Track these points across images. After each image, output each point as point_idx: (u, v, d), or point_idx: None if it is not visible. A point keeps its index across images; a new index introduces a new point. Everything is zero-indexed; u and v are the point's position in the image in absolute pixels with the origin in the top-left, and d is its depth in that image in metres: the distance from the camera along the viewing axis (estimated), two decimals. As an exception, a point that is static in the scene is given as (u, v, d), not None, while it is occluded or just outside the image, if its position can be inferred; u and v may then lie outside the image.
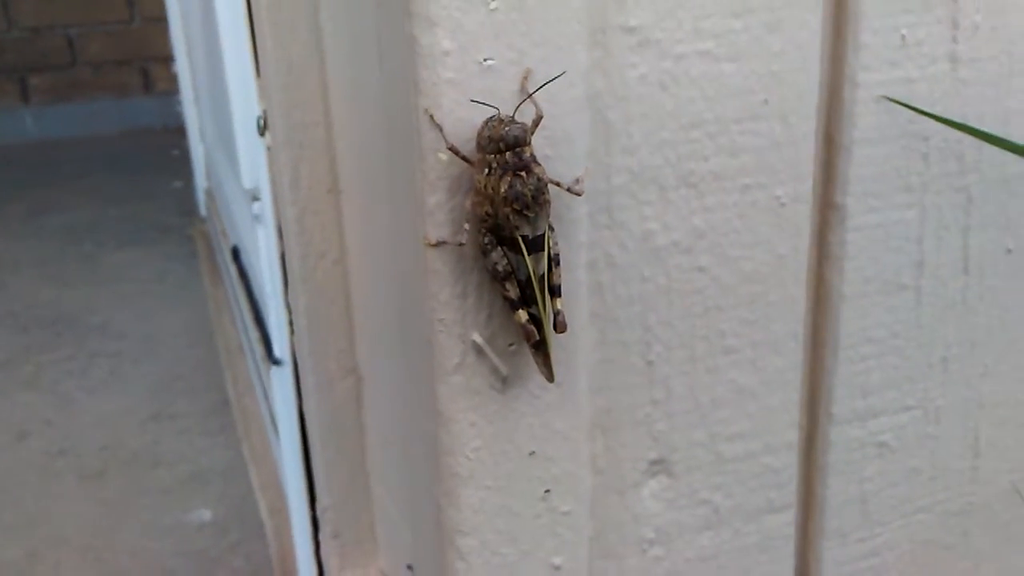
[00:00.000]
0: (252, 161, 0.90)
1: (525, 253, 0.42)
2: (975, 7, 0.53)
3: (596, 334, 0.51)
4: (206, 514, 1.49)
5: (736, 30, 0.48)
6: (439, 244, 0.43)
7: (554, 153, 0.45)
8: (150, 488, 1.58)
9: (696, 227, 0.51)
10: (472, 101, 0.40)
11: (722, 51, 0.48)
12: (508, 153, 0.40)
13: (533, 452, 0.49)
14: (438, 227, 0.44)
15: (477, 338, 0.45)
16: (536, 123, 0.42)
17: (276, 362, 0.92)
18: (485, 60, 0.42)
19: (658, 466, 0.55)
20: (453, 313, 0.45)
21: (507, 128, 0.40)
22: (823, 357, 0.58)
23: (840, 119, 0.53)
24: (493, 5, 0.41)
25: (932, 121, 0.53)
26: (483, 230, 0.43)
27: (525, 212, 0.41)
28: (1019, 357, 0.62)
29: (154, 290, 2.28)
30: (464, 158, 0.42)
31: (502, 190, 0.40)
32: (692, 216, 0.51)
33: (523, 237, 0.42)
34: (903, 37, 0.52)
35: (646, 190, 0.49)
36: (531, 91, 0.42)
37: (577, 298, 0.48)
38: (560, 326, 0.44)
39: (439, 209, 0.44)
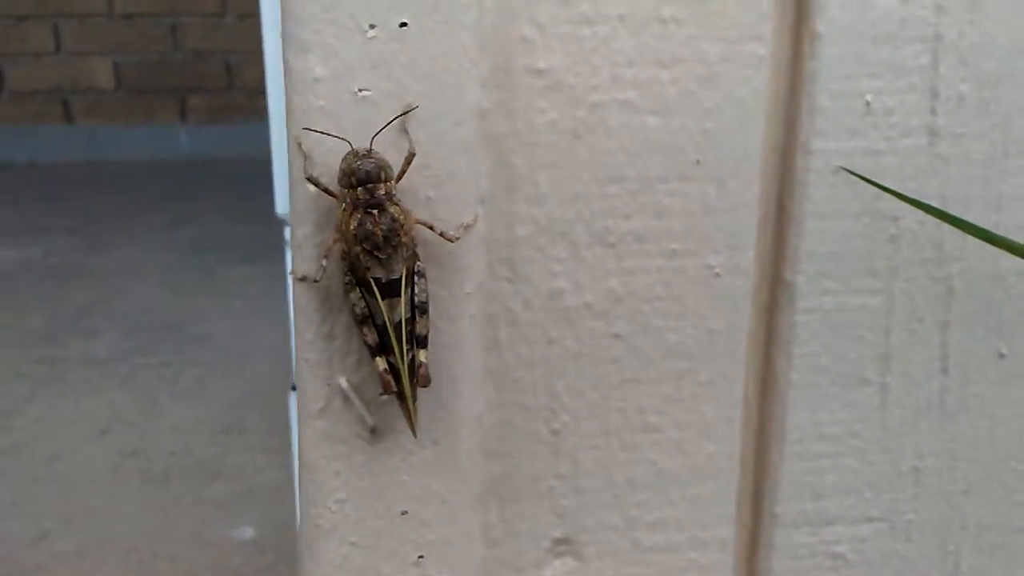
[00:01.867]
0: (284, 186, 0.90)
1: (379, 297, 0.38)
2: (960, 76, 0.46)
3: (492, 394, 0.46)
4: (248, 532, 1.50)
5: (663, 81, 0.43)
6: (303, 279, 0.40)
7: (437, 195, 0.41)
8: (205, 499, 1.60)
9: (612, 290, 0.46)
10: (305, 129, 0.37)
11: (646, 103, 0.44)
12: (360, 189, 0.37)
13: (405, 512, 0.45)
14: (305, 261, 0.41)
15: (343, 383, 0.42)
16: (408, 160, 0.39)
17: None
18: (360, 90, 0.39)
19: (564, 546, 0.50)
20: (318, 354, 0.42)
21: (359, 163, 0.37)
22: (768, 450, 0.51)
23: (792, 188, 0.47)
24: (371, 34, 0.38)
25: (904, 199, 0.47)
26: (345, 269, 0.40)
27: (376, 253, 0.38)
28: (1011, 477, 0.54)
29: (258, 307, 2.34)
30: (326, 190, 0.39)
31: (352, 227, 0.37)
32: (608, 278, 0.46)
33: (376, 279, 0.38)
34: (867, 104, 0.46)
35: (555, 245, 0.45)
36: (403, 127, 0.39)
37: (463, 353, 0.44)
38: (422, 379, 0.40)
39: (307, 242, 0.41)
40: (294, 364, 0.67)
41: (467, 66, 0.40)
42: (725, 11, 0.43)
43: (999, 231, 0.49)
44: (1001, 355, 0.51)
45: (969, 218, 0.49)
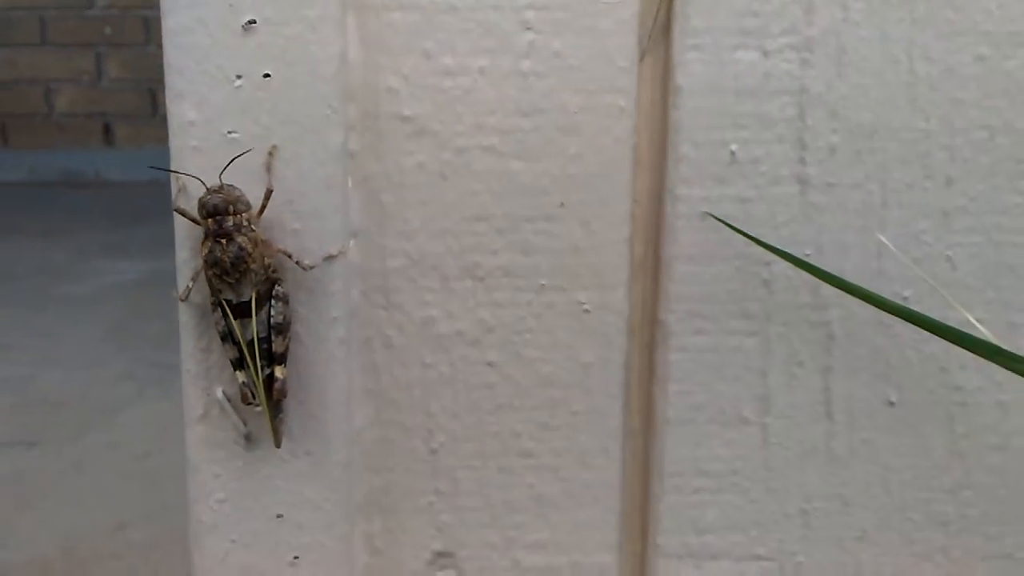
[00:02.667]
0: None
1: (231, 317, 0.43)
2: (831, 127, 0.48)
3: (371, 412, 0.51)
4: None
5: (525, 129, 0.47)
6: (185, 293, 0.46)
7: (302, 227, 0.46)
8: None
9: (484, 320, 0.49)
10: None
11: (509, 148, 0.47)
12: (210, 220, 0.42)
13: (280, 515, 0.50)
14: (184, 281, 0.46)
15: (219, 393, 0.47)
16: (267, 196, 0.44)
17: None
18: (229, 132, 0.44)
19: (445, 559, 0.53)
20: (197, 365, 0.47)
21: (209, 197, 0.42)
22: (648, 482, 0.53)
23: (661, 232, 0.49)
24: (237, 83, 0.43)
25: (775, 244, 0.48)
26: (212, 290, 0.44)
27: (225, 277, 0.43)
28: (910, 527, 0.54)
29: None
30: (193, 220, 0.44)
31: (204, 253, 0.42)
32: (479, 308, 0.49)
33: (227, 301, 0.43)
34: (732, 153, 0.47)
35: (426, 276, 0.49)
36: (266, 166, 0.44)
37: (332, 372, 0.49)
38: (277, 393, 0.45)
39: (185, 265, 0.46)
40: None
41: (328, 112, 0.44)
42: (583, 65, 0.46)
43: (880, 278, 0.49)
44: (890, 403, 0.51)
45: (848, 265, 0.50)
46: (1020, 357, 0.42)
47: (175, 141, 0.46)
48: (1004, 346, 0.42)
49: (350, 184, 0.48)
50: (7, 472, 1.82)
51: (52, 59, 3.88)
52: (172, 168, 0.46)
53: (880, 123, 0.49)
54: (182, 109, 0.46)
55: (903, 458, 0.54)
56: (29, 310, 2.64)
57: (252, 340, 0.45)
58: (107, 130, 3.96)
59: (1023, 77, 0.49)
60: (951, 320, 0.52)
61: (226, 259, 0.44)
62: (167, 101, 0.46)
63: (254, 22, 0.45)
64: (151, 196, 3.01)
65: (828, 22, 0.48)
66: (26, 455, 1.88)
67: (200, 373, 0.49)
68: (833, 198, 0.50)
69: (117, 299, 2.73)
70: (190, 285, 0.46)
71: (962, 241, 0.51)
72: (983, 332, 0.46)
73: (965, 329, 0.44)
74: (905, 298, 0.52)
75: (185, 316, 0.48)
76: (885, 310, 0.46)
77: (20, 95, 3.92)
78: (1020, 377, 0.42)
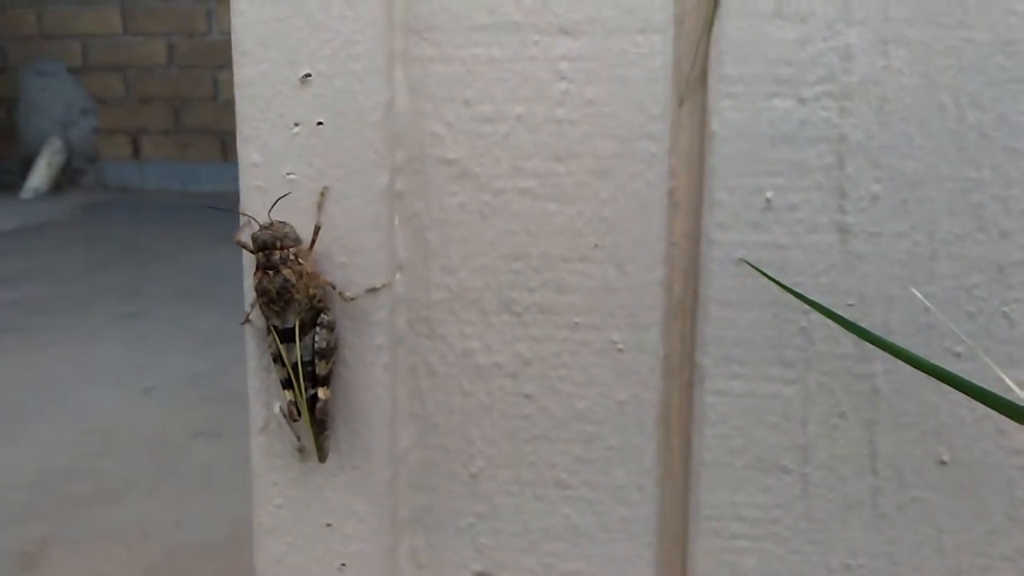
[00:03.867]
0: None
1: (278, 341, 0.48)
2: (872, 176, 0.47)
3: (416, 434, 0.54)
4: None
5: (559, 173, 0.49)
6: (245, 317, 0.51)
7: (349, 261, 0.50)
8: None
9: (521, 354, 0.52)
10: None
11: (545, 191, 0.49)
12: (260, 254, 0.46)
13: (329, 524, 0.54)
14: (250, 307, 0.51)
15: (276, 408, 0.52)
16: (316, 231, 0.48)
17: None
18: (288, 174, 0.49)
19: (486, 579, 0.55)
20: (258, 382, 0.52)
21: (259, 233, 0.46)
22: (684, 523, 0.53)
23: (696, 275, 0.50)
24: (295, 130, 0.48)
25: (815, 293, 0.48)
26: (264, 316, 0.49)
27: (271, 305, 0.47)
28: (963, 594, 0.51)
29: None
30: (250, 250, 0.49)
31: (254, 284, 0.47)
32: (516, 343, 0.52)
33: (274, 327, 0.48)
34: (768, 200, 0.47)
35: (467, 310, 0.52)
36: (318, 204, 0.48)
37: (377, 395, 0.52)
38: (319, 412, 0.49)
39: (249, 291, 0.51)
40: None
41: (373, 156, 0.48)
42: (615, 113, 0.48)
43: (930, 332, 0.48)
44: (942, 462, 0.49)
45: (893, 317, 0.48)
46: None
47: (244, 181, 0.51)
48: (1039, 413, 0.40)
49: (397, 222, 0.52)
50: (194, 460, 1.99)
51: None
52: (241, 205, 0.51)
53: (927, 172, 0.47)
54: (248, 152, 0.51)
55: (957, 520, 0.51)
56: (229, 312, 2.88)
57: (297, 363, 0.50)
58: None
59: (1088, 126, 0.45)
60: (1010, 378, 0.49)
61: (272, 289, 0.48)
62: (237, 145, 0.51)
63: (309, 75, 0.49)
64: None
65: (867, 70, 0.46)
66: (209, 444, 2.05)
67: (262, 389, 0.54)
68: (876, 248, 0.49)
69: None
70: (249, 311, 0.51)
71: (1020, 297, 0.48)
72: (1020, 395, 0.43)
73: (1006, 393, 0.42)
74: (957, 354, 0.49)
75: (249, 338, 0.54)
76: (922, 370, 0.44)
77: (238, 113, 4.28)
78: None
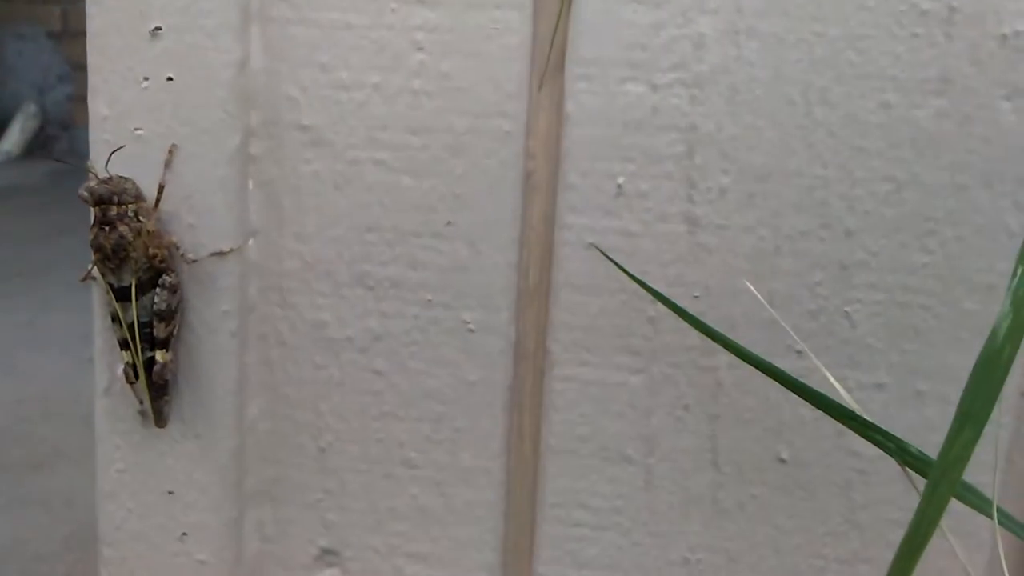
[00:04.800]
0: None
1: (114, 300, 0.46)
2: (721, 168, 0.46)
3: (265, 404, 0.53)
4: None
5: (414, 146, 0.48)
6: (85, 274, 0.49)
7: (197, 222, 0.49)
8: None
9: (372, 328, 0.51)
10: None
11: (400, 164, 0.49)
12: (97, 208, 0.45)
13: (171, 492, 0.53)
14: (91, 264, 0.50)
15: (118, 370, 0.50)
16: (159, 190, 0.47)
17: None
18: (136, 129, 0.48)
19: (331, 556, 0.55)
20: (102, 342, 0.51)
21: (96, 186, 0.45)
22: (527, 509, 0.53)
23: (548, 258, 0.49)
24: (144, 84, 0.47)
25: (662, 283, 0.47)
26: (100, 273, 0.48)
27: (107, 263, 0.46)
28: (799, 593, 0.51)
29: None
30: (87, 203, 0.47)
31: (90, 239, 0.46)
32: (367, 317, 0.51)
33: (110, 284, 0.46)
34: (619, 186, 0.47)
35: (320, 281, 0.51)
36: (165, 161, 0.47)
37: (221, 363, 0.51)
38: (156, 376, 0.48)
39: (90, 248, 0.50)
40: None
41: (225, 117, 0.47)
42: (471, 88, 0.47)
43: (773, 327, 0.47)
44: (781, 459, 0.49)
45: (738, 311, 0.48)
46: (876, 426, 0.39)
47: (93, 134, 0.50)
48: (860, 412, 0.39)
49: (251, 186, 0.51)
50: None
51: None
52: (90, 160, 0.50)
53: (774, 166, 0.47)
54: (97, 105, 0.50)
55: (795, 520, 0.51)
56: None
57: (133, 323, 0.49)
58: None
59: (932, 128, 0.45)
60: (850, 379, 0.49)
61: (107, 245, 0.47)
62: (88, 97, 0.50)
63: (160, 29, 0.48)
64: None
65: (719, 59, 0.46)
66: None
67: (105, 349, 0.53)
68: (723, 240, 0.48)
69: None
70: (90, 268, 0.50)
71: (862, 298, 0.47)
72: (845, 397, 0.42)
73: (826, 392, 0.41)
74: (799, 352, 0.49)
75: (96, 296, 0.52)
76: (760, 369, 0.43)
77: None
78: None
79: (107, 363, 0.53)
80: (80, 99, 4.56)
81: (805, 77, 0.46)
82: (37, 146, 4.77)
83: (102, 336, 0.53)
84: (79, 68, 4.51)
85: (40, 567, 1.49)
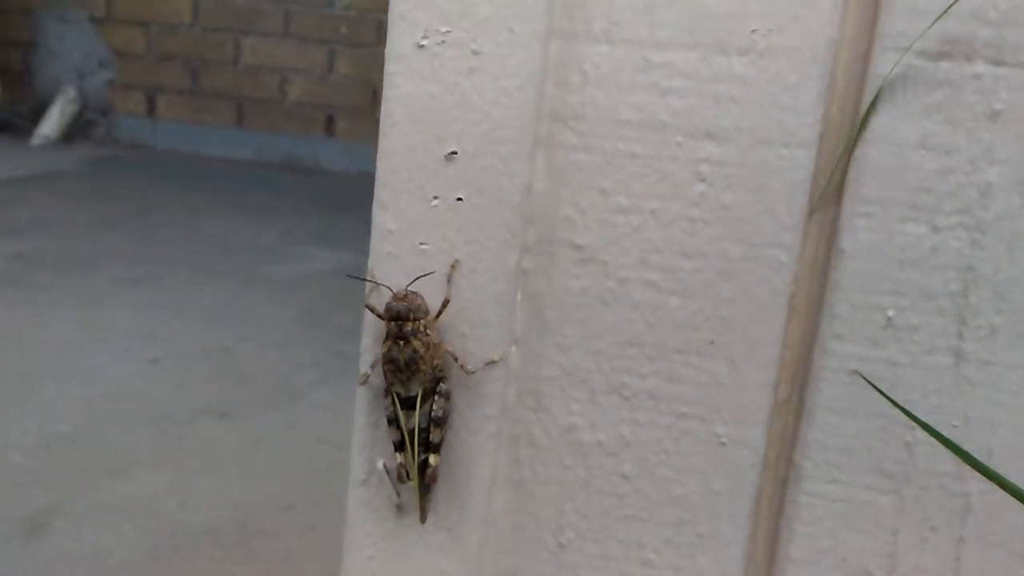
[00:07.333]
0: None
1: (398, 406, 0.49)
2: (994, 307, 0.48)
3: (510, 500, 0.56)
4: None
5: (686, 269, 0.51)
6: (364, 378, 0.52)
7: (471, 333, 0.52)
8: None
9: (623, 435, 0.53)
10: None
11: (669, 285, 0.51)
12: (393, 323, 0.48)
13: (417, 579, 0.55)
14: (366, 365, 0.53)
15: (380, 465, 0.53)
16: (444, 304, 0.49)
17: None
18: (421, 244, 0.50)
19: (560, 644, 0.57)
20: (364, 437, 0.54)
21: (394, 303, 0.48)
22: (762, 611, 0.55)
23: (806, 382, 0.51)
24: (434, 203, 0.49)
25: (923, 411, 0.49)
26: (386, 381, 0.51)
27: (398, 374, 0.49)
28: None
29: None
30: (379, 316, 0.50)
31: (383, 351, 0.48)
32: (620, 424, 0.53)
33: (396, 394, 0.49)
34: (889, 318, 0.49)
35: (576, 388, 0.53)
36: (448, 278, 0.50)
37: (478, 463, 0.54)
38: (429, 477, 0.51)
39: (367, 351, 0.53)
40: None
41: (507, 236, 0.49)
42: (750, 218, 0.49)
43: (1028, 461, 0.49)
44: (1024, 583, 0.51)
45: (996, 442, 0.50)
46: None
47: (375, 245, 0.53)
48: None
49: (519, 298, 0.53)
50: (199, 437, 2.01)
51: (291, 50, 4.20)
52: (369, 268, 0.53)
53: (1048, 309, 0.49)
54: (384, 219, 0.52)
55: (1032, 641, 0.54)
56: (237, 286, 2.89)
57: (414, 429, 0.51)
58: (330, 121, 4.25)
59: None
60: (1101, 514, 0.51)
61: (401, 359, 0.50)
62: (373, 210, 0.52)
63: (455, 153, 0.50)
64: (360, 186, 3.21)
65: (1004, 207, 0.48)
66: (214, 422, 2.06)
67: (367, 444, 0.55)
68: (989, 376, 0.50)
69: (314, 286, 2.94)
70: (369, 372, 0.53)
71: (1123, 438, 0.50)
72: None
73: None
74: (1054, 484, 0.51)
75: (360, 394, 0.55)
76: (1016, 497, 0.46)
77: (258, 81, 4.27)
78: None
79: (366, 457, 0.56)
80: (122, 86, 4.60)
81: (1088, 229, 0.48)
82: (76, 131, 4.82)
83: (363, 431, 0.55)
84: (121, 55, 4.55)
85: (126, 578, 1.53)
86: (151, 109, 4.52)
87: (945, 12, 0.46)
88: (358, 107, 4.19)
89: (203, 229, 3.41)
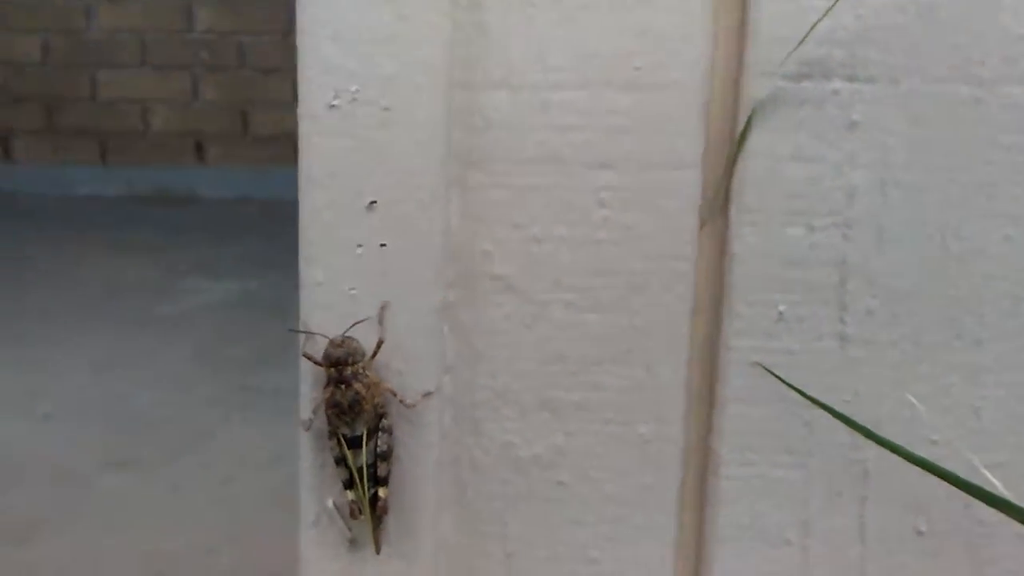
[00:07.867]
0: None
1: (344, 447, 0.52)
2: (869, 293, 0.55)
3: (456, 521, 0.59)
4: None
5: (597, 287, 0.55)
6: (307, 424, 0.55)
7: (406, 368, 0.55)
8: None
9: (557, 446, 0.58)
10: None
11: (585, 303, 0.55)
12: (332, 368, 0.51)
13: (377, 606, 0.58)
14: (305, 410, 0.55)
15: (329, 503, 0.56)
16: (378, 345, 0.53)
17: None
18: (350, 289, 0.53)
19: (517, 646, 0.61)
20: (312, 478, 0.57)
21: (332, 350, 0.51)
22: (697, 588, 0.61)
23: (714, 376, 0.57)
24: (359, 251, 0.53)
25: (817, 391, 0.55)
26: (330, 424, 0.54)
27: (342, 416, 0.52)
28: (936, 643, 0.60)
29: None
30: (317, 363, 0.53)
31: (326, 396, 0.51)
32: (553, 436, 0.57)
33: (343, 435, 0.52)
34: (780, 313, 0.55)
35: (508, 408, 0.57)
36: (379, 319, 0.53)
37: (424, 489, 0.58)
38: (380, 510, 0.54)
39: (305, 397, 0.55)
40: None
41: (431, 274, 0.53)
42: (650, 235, 0.54)
43: (913, 423, 0.56)
44: (920, 532, 0.58)
45: (883, 412, 0.57)
46: (1003, 498, 0.49)
47: (305, 296, 0.56)
48: (1000, 489, 0.49)
49: (447, 330, 0.57)
50: (104, 493, 1.96)
51: (150, 80, 4.10)
52: (301, 319, 0.56)
53: (914, 290, 0.56)
54: (312, 272, 0.55)
55: (932, 581, 0.61)
56: (125, 328, 2.81)
57: (362, 466, 0.54)
58: (199, 148, 4.16)
59: (1046, 255, 0.55)
60: (975, 460, 0.59)
61: (344, 402, 0.53)
62: (300, 263, 0.55)
63: (375, 202, 0.54)
64: (240, 213, 3.16)
65: (868, 205, 0.55)
66: (118, 475, 2.02)
67: (315, 485, 0.58)
68: (871, 354, 0.57)
69: (205, 320, 2.88)
70: (311, 418, 0.56)
71: (988, 395, 0.57)
72: (991, 480, 0.52)
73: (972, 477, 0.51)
74: (934, 442, 0.58)
75: (305, 439, 0.58)
76: (909, 460, 0.53)
77: (119, 114, 4.15)
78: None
79: (316, 498, 0.59)
80: None
81: (941, 217, 0.55)
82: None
83: (311, 473, 0.58)
84: None
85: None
86: (6, 152, 4.33)
87: (803, 40, 0.52)
88: (228, 132, 4.12)
89: (81, 273, 3.30)
